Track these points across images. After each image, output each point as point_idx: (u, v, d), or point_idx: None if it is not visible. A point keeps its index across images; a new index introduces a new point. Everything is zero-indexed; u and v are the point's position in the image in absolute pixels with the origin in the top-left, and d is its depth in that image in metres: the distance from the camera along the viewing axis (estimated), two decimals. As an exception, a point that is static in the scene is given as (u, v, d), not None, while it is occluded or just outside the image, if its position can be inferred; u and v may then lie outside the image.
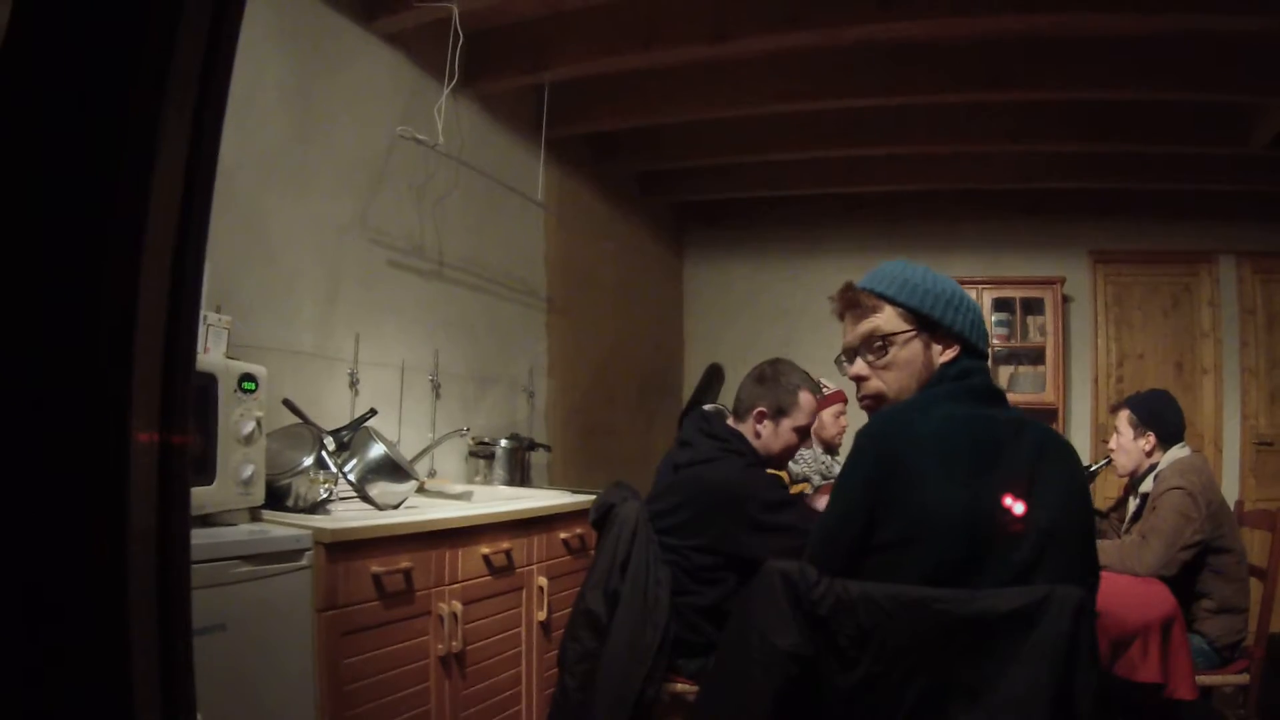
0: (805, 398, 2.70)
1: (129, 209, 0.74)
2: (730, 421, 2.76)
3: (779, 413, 2.68)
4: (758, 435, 2.69)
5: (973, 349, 1.77)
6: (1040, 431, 1.65)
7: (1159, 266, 6.24)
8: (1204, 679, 2.98)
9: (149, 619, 0.75)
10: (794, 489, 3.94)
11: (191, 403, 1.44)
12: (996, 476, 1.57)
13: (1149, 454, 3.42)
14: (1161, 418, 3.44)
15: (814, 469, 4.07)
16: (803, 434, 2.71)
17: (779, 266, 6.99)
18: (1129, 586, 2.94)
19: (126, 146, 0.74)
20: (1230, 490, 5.50)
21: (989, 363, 1.81)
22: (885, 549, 1.60)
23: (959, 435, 1.62)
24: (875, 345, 1.78)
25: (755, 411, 2.70)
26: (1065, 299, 6.26)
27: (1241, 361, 6.03)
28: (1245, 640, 3.15)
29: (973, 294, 6.06)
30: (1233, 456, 5.97)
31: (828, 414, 4.21)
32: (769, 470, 3.44)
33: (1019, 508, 1.54)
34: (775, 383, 2.71)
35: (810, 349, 6.60)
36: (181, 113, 0.77)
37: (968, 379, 1.72)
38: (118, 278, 0.73)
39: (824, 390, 4.27)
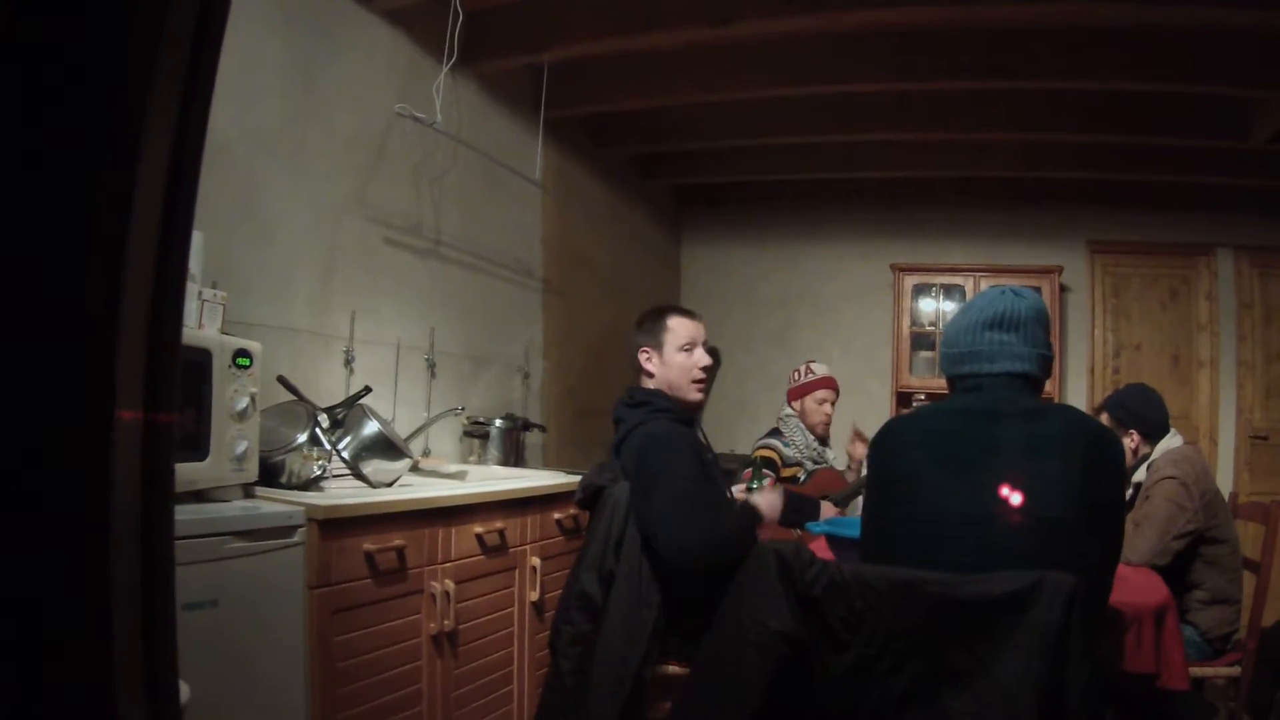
0: (672, 319, 2.73)
1: (115, 178, 0.72)
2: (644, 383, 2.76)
3: (658, 345, 2.71)
4: (651, 375, 2.71)
5: (956, 376, 1.93)
6: (1058, 424, 1.75)
7: (1157, 258, 6.24)
8: (1195, 670, 2.98)
9: (132, 605, 0.75)
10: (785, 472, 3.94)
11: (178, 381, 1.42)
12: (981, 470, 1.68)
13: (1135, 451, 3.42)
14: (1141, 415, 3.43)
15: (806, 455, 4.06)
16: (692, 350, 2.70)
17: (778, 252, 6.96)
18: (1121, 575, 2.93)
19: (114, 117, 0.73)
20: (1225, 483, 5.51)
21: (1037, 374, 1.87)
22: (879, 536, 1.77)
23: (941, 433, 1.81)
24: None
25: (640, 355, 2.74)
26: (1063, 288, 6.26)
27: (1238, 355, 6.04)
28: (1237, 633, 3.15)
29: (969, 282, 6.16)
30: (1228, 450, 5.98)
31: (810, 399, 4.19)
32: (765, 449, 3.42)
33: (1015, 498, 1.58)
34: (646, 321, 2.77)
35: (809, 335, 6.62)
36: (171, 85, 0.76)
37: (974, 392, 1.86)
38: (102, 251, 0.72)
39: (811, 374, 4.25)
